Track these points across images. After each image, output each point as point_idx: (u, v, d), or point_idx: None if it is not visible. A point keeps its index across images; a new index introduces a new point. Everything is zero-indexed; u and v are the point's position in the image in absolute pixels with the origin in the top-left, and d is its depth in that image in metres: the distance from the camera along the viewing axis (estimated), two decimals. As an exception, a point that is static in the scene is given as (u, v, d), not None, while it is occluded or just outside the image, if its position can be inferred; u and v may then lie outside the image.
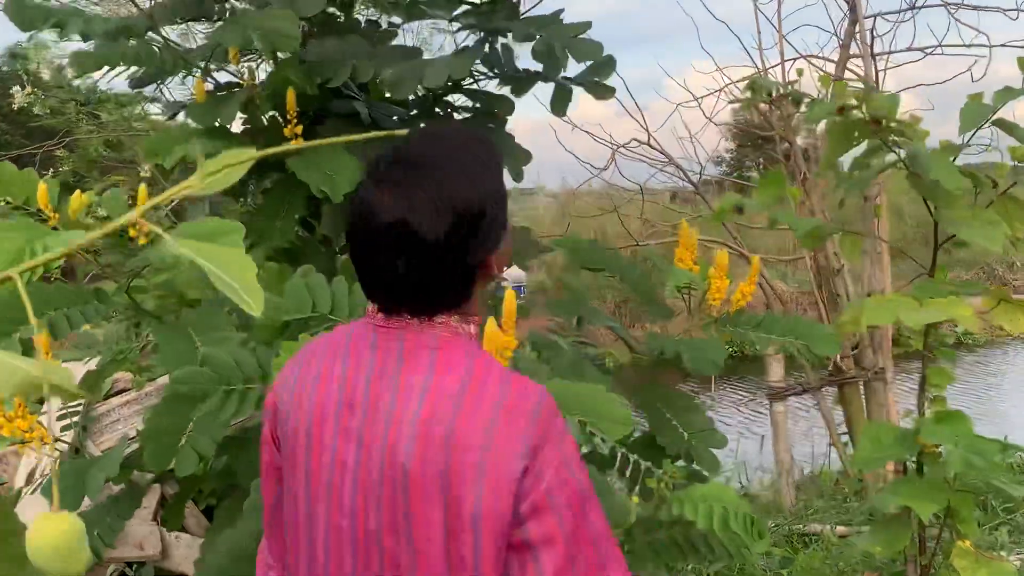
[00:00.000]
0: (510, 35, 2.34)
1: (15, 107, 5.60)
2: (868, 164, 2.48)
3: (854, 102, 2.16)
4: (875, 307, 2.55)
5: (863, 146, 2.64)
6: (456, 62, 2.14)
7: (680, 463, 2.51)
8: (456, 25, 2.46)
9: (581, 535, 1.15)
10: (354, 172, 2.08)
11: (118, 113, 5.53)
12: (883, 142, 2.32)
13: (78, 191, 2.03)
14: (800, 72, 2.90)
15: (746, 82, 2.79)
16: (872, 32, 4.44)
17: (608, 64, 2.46)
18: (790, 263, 9.93)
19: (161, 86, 3.03)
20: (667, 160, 4.91)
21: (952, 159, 2.63)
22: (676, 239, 2.62)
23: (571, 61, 2.30)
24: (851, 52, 4.46)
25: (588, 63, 2.44)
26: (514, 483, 1.12)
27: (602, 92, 2.30)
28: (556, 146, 5.29)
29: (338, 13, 2.77)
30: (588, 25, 2.16)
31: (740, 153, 23.65)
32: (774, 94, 2.76)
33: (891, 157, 2.47)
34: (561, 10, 2.23)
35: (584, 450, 2.64)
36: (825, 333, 2.60)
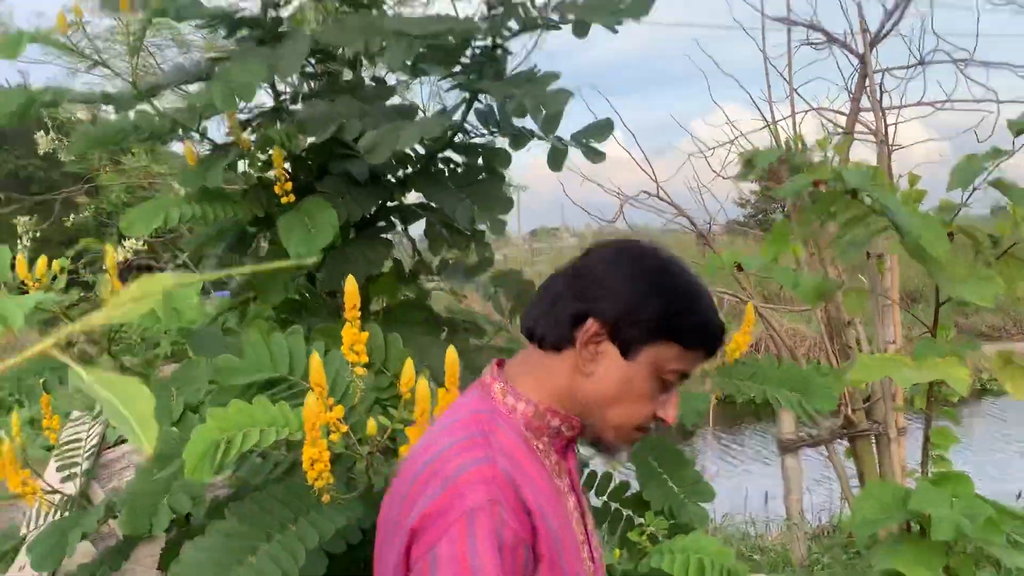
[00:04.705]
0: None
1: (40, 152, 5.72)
2: (859, 226, 2.49)
3: (829, 175, 2.19)
4: (867, 365, 2.54)
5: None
6: (430, 123, 2.21)
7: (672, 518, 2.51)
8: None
9: None
10: (333, 227, 2.12)
11: (139, 158, 5.63)
12: (872, 210, 2.33)
13: (44, 257, 2.08)
14: (799, 140, 2.92)
15: (743, 158, 2.83)
16: (881, 87, 4.45)
17: (606, 126, 2.51)
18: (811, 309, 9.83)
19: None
20: (676, 211, 4.93)
21: (951, 217, 2.64)
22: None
23: (577, 116, 2.34)
24: (861, 105, 4.47)
25: (590, 122, 2.49)
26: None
27: (594, 156, 2.35)
28: (582, 186, 5.25)
29: (343, 72, 2.82)
30: (556, 76, 2.21)
31: (766, 195, 23.52)
32: (770, 166, 2.78)
33: (882, 221, 2.48)
34: (537, 69, 2.29)
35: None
36: (822, 386, 2.58)
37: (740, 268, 3.08)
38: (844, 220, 2.43)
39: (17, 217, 5.69)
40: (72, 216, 6.42)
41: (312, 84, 2.85)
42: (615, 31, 2.11)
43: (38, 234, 5.68)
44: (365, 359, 1.55)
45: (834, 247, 2.61)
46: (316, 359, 1.39)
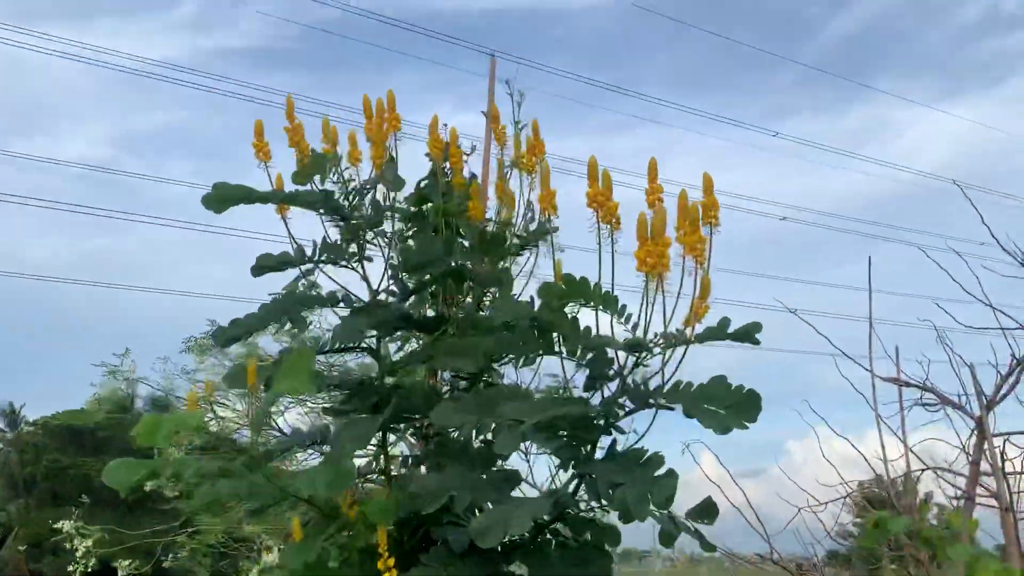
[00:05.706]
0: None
1: (147, 489, 5.85)
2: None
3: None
4: None
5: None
6: (540, 505, 2.20)
7: None
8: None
9: None
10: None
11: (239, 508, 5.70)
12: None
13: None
14: (926, 508, 2.80)
15: (870, 522, 2.72)
16: (1003, 453, 4.26)
17: (711, 508, 2.45)
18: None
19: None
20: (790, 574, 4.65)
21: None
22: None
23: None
24: (981, 469, 4.27)
25: (697, 504, 2.43)
26: None
27: (706, 546, 2.29)
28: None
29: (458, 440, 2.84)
30: (662, 460, 2.20)
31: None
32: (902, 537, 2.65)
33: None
34: (645, 450, 2.27)
35: None
36: None
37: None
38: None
39: (119, 560, 5.73)
40: (170, 556, 6.43)
41: (423, 444, 2.88)
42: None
43: (137, 579, 5.70)
44: None
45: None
46: None
